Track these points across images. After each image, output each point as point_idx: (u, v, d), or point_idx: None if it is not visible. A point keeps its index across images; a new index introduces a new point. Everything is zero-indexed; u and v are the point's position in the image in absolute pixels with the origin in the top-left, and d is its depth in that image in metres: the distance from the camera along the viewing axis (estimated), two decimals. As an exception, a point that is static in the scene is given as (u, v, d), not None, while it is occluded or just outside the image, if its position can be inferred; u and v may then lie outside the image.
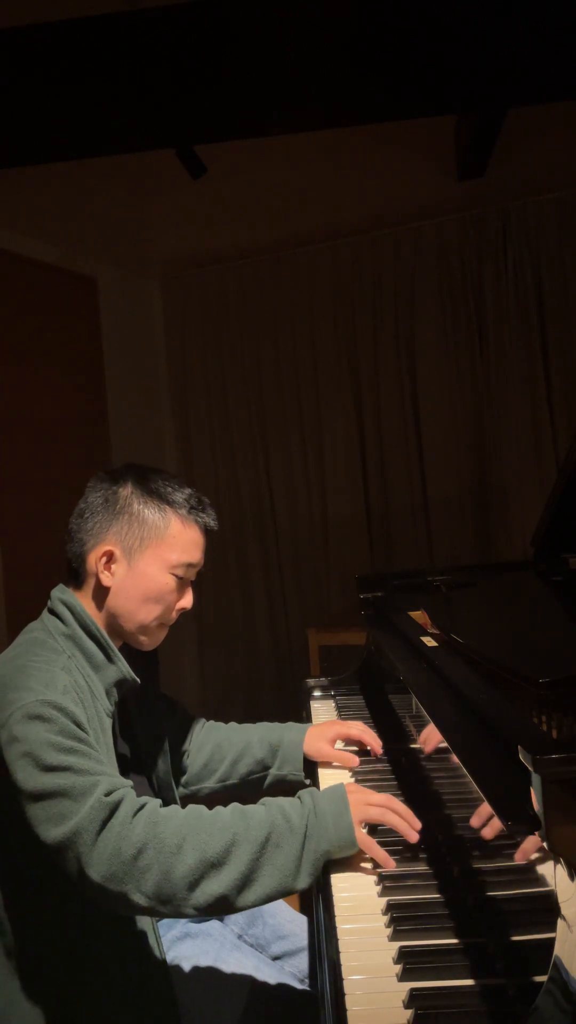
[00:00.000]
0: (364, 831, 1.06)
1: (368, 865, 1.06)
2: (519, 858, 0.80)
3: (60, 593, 1.23)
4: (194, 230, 4.04)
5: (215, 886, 0.97)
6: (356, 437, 3.88)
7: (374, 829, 1.09)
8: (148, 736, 1.34)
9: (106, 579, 1.21)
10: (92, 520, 1.23)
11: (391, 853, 1.04)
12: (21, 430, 3.17)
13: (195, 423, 4.16)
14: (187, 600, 1.27)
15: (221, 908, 0.99)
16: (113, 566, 1.21)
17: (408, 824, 1.06)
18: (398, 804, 1.08)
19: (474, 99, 2.66)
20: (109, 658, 1.19)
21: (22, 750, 1.01)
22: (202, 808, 1.05)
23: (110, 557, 1.21)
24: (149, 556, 1.22)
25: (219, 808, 1.05)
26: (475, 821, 0.91)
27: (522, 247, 3.55)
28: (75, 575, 1.25)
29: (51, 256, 3.41)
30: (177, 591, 1.25)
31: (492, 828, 0.87)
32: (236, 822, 1.01)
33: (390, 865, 1.03)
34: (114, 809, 0.99)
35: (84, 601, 1.23)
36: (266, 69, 2.39)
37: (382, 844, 1.05)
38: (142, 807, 1.01)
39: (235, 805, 1.06)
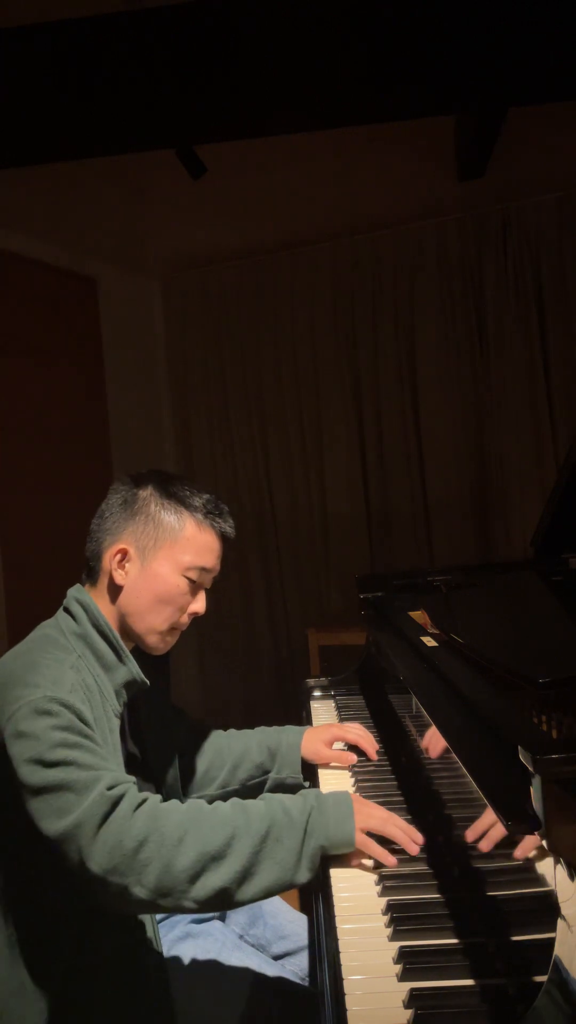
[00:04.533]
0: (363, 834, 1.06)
1: (368, 862, 1.06)
2: (518, 854, 0.80)
3: (76, 592, 1.24)
4: (194, 230, 4.04)
5: (215, 879, 0.97)
6: (356, 437, 3.88)
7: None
8: (158, 742, 1.35)
9: (119, 577, 1.22)
10: (111, 519, 1.25)
11: (391, 853, 1.05)
12: (21, 430, 3.17)
13: (195, 423, 4.16)
14: (199, 605, 1.27)
15: (221, 901, 0.99)
16: (127, 564, 1.23)
17: (409, 837, 1.06)
18: (400, 820, 1.08)
19: (474, 99, 2.65)
20: (120, 658, 1.19)
21: (27, 744, 1.02)
22: (202, 803, 1.06)
23: (124, 555, 1.23)
24: (162, 557, 1.23)
25: (219, 803, 1.06)
26: (471, 836, 0.91)
27: (522, 247, 3.54)
28: (91, 573, 1.26)
29: (51, 256, 3.41)
30: (189, 594, 1.25)
31: (489, 840, 0.88)
32: (236, 816, 1.02)
33: (391, 862, 1.03)
34: (116, 803, 1.00)
35: (98, 600, 1.24)
36: (266, 69, 2.39)
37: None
38: (143, 801, 1.02)
39: (235, 800, 1.07)
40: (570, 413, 3.51)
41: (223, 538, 1.29)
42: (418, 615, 1.64)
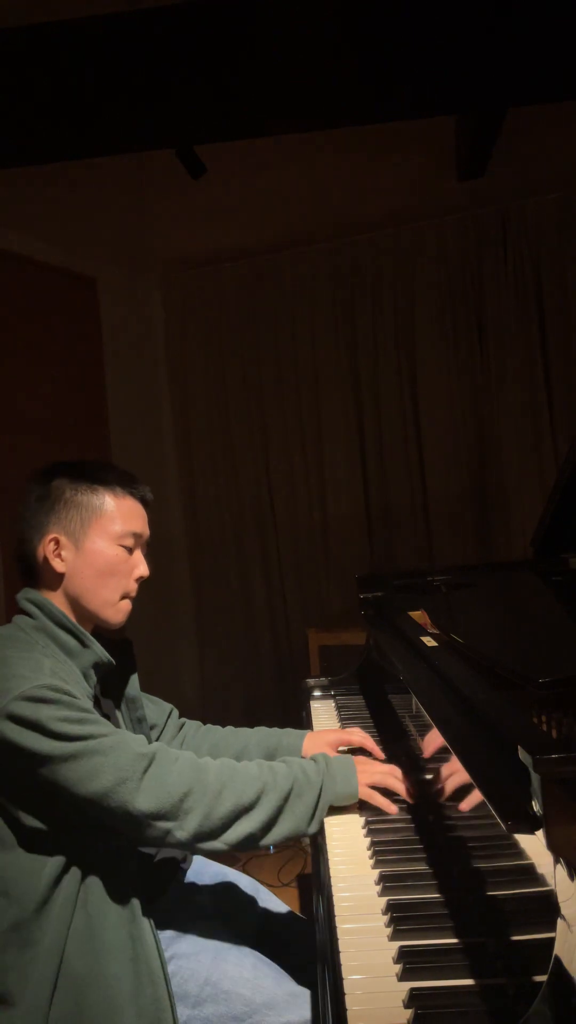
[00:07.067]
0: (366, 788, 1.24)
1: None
2: (464, 807, 0.90)
3: (26, 594, 1.28)
4: (194, 230, 4.04)
5: (246, 826, 1.13)
6: (356, 437, 3.88)
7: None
8: (132, 725, 1.38)
9: (58, 565, 1.26)
10: (33, 518, 1.29)
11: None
12: (21, 430, 3.17)
13: (195, 423, 4.16)
14: (142, 568, 1.32)
15: (248, 844, 1.14)
16: (63, 552, 1.27)
17: (407, 789, 1.23)
18: (399, 772, 1.26)
19: (474, 99, 2.65)
20: (82, 643, 1.24)
21: (37, 729, 1.06)
22: (231, 760, 1.21)
23: (57, 543, 1.26)
24: (93, 534, 1.27)
25: (247, 762, 1.22)
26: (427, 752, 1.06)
27: (522, 247, 3.54)
28: (32, 574, 1.30)
29: (51, 256, 3.41)
30: (129, 561, 1.30)
31: (468, 802, 0.98)
32: (265, 774, 1.17)
33: (392, 810, 1.21)
34: (152, 758, 1.11)
35: (47, 596, 1.28)
36: (266, 69, 2.38)
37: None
38: (179, 756, 1.15)
39: (260, 761, 1.22)
40: (570, 413, 3.51)
41: (144, 503, 1.34)
42: (418, 615, 1.64)
